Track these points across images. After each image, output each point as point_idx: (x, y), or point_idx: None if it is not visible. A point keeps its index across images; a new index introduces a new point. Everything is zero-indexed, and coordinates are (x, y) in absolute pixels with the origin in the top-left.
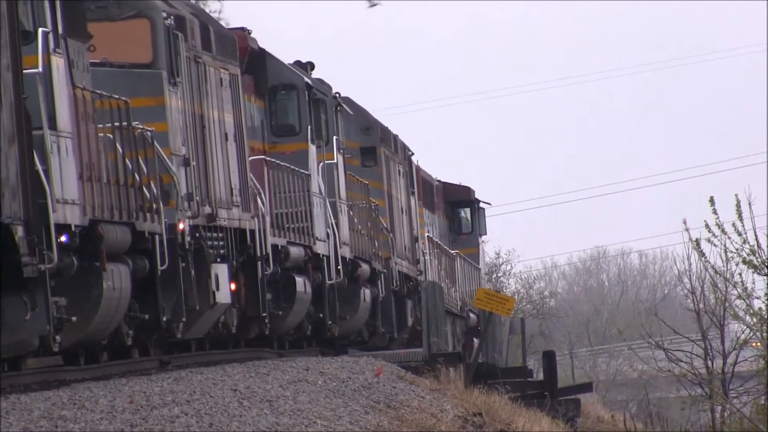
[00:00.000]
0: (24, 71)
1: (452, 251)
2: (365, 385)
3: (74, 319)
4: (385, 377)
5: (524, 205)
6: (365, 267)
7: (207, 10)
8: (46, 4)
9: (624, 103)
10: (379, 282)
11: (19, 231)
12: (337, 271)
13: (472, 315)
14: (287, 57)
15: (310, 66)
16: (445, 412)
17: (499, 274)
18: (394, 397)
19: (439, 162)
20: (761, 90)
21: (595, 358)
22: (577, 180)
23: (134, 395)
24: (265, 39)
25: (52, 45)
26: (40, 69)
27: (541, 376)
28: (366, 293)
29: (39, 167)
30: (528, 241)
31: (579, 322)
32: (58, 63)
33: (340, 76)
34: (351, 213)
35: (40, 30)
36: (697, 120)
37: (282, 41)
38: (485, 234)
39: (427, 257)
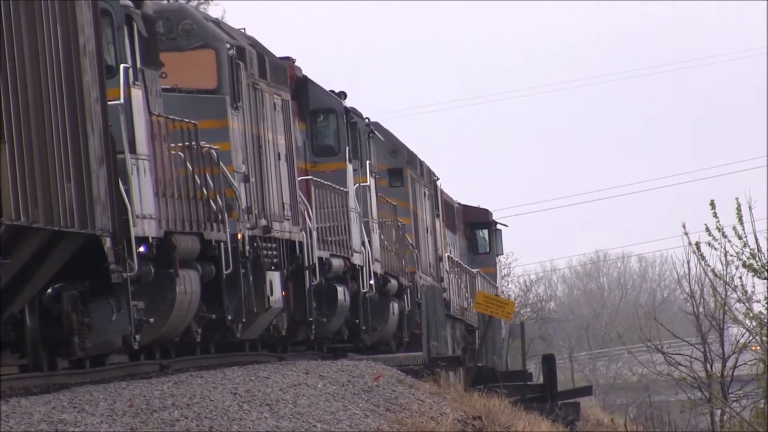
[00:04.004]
0: (108, 102)
1: (473, 270)
2: (365, 389)
3: (152, 320)
4: (385, 381)
5: (525, 209)
6: (393, 282)
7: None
8: (126, 42)
9: (625, 106)
10: (406, 296)
11: (107, 242)
12: (370, 285)
13: None
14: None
15: (343, 95)
16: (444, 415)
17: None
18: (393, 400)
19: (439, 165)
20: (761, 93)
21: (595, 362)
22: (577, 183)
23: (134, 399)
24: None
25: (131, 78)
26: (122, 100)
27: (541, 380)
28: (394, 307)
29: (121, 187)
30: (528, 244)
31: (579, 326)
32: (137, 94)
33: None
34: (381, 235)
35: (121, 66)
36: (697, 123)
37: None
38: (502, 254)
39: (450, 276)
